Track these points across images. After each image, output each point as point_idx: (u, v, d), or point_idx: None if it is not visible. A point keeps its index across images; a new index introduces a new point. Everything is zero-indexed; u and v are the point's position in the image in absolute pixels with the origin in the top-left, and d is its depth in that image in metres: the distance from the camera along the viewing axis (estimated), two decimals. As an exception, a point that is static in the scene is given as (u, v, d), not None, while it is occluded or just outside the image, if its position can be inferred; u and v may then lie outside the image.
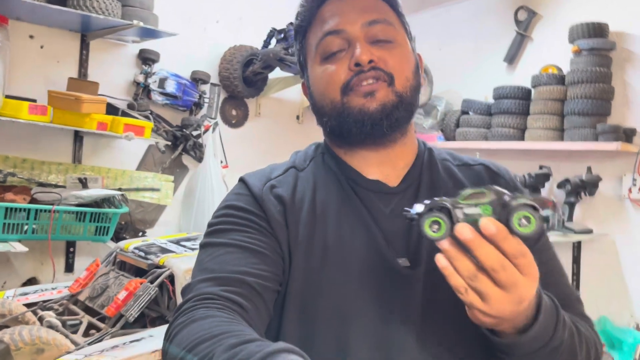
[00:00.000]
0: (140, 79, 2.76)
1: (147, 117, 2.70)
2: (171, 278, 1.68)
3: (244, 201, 0.85)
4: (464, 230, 0.62)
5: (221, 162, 3.03)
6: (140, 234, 2.82)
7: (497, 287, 0.62)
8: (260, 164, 3.45)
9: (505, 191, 0.64)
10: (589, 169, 2.78)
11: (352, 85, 0.82)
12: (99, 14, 2.22)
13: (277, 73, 3.14)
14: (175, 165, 3.01)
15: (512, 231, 0.61)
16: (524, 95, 3.05)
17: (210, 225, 0.85)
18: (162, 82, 2.78)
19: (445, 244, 0.64)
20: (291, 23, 2.90)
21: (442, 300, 0.78)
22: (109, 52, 2.75)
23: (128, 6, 2.40)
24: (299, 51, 0.92)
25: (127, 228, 2.75)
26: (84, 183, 2.50)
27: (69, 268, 2.66)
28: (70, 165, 2.59)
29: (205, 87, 3.04)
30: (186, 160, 3.05)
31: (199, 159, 2.99)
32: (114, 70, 2.76)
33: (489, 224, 0.61)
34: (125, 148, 2.75)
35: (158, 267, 1.72)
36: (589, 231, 2.69)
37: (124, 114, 2.60)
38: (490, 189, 0.64)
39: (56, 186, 2.49)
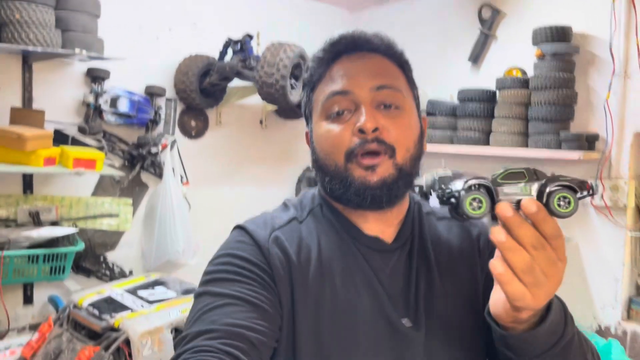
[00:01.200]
0: (90, 99, 2.62)
1: (99, 141, 2.58)
2: (127, 341, 1.63)
3: (249, 252, 0.82)
4: (505, 208, 0.62)
5: (182, 179, 2.94)
6: (102, 258, 2.75)
7: (544, 274, 0.62)
8: (224, 173, 3.37)
9: (543, 172, 0.65)
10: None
11: (356, 153, 0.83)
12: (37, 45, 2.08)
13: (236, 82, 3.03)
14: (134, 184, 2.91)
15: (550, 212, 0.62)
16: (489, 98, 3.01)
17: (208, 272, 0.82)
18: (114, 101, 2.65)
19: (499, 234, 0.62)
20: (248, 35, 2.77)
21: (439, 354, 0.82)
22: (54, 73, 2.60)
23: (69, 31, 2.25)
24: (305, 104, 0.94)
25: (87, 255, 2.67)
26: (35, 217, 2.39)
27: (28, 300, 2.58)
28: (20, 197, 2.47)
29: (161, 101, 2.91)
30: (145, 177, 2.95)
31: (159, 176, 2.89)
32: (61, 91, 2.61)
33: (531, 203, 0.61)
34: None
35: (113, 329, 1.66)
36: (553, 238, 2.71)
37: (74, 142, 2.48)
38: (529, 170, 0.65)
39: (7, 220, 2.38)
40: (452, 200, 0.66)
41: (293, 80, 2.64)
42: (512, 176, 0.64)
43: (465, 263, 0.90)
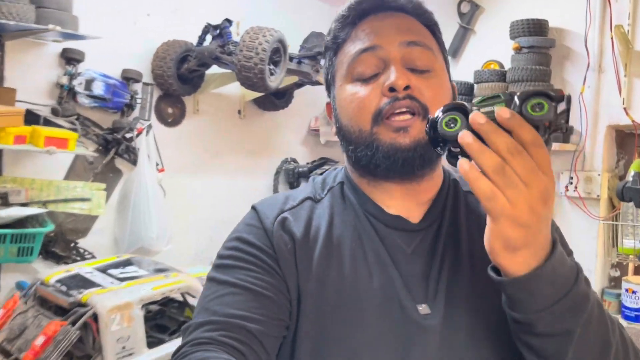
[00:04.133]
0: (64, 81, 2.56)
1: (72, 123, 2.53)
2: (95, 316, 1.59)
3: (255, 235, 0.80)
4: (477, 117, 0.59)
5: (157, 165, 2.90)
6: (72, 244, 2.68)
7: (520, 179, 0.59)
8: (200, 162, 3.34)
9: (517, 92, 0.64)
10: (529, 167, 2.80)
11: (385, 113, 0.77)
12: (10, 19, 2.03)
13: (215, 69, 3.00)
14: (108, 170, 2.85)
15: (525, 118, 0.60)
16: (467, 91, 3.03)
17: (219, 256, 0.82)
18: (88, 83, 2.59)
19: (467, 136, 0.60)
20: (227, 20, 2.75)
21: (459, 349, 0.75)
22: (28, 53, 2.54)
23: (43, 7, 2.20)
24: (327, 69, 0.87)
25: (57, 240, 2.60)
26: (4, 198, 2.32)
27: (-5, 286, 2.50)
28: (-11, 178, 2.40)
29: (137, 86, 2.87)
30: (120, 163, 2.89)
31: (134, 162, 2.84)
32: (34, 72, 2.55)
33: (504, 110, 0.59)
34: (52, 156, 2.58)
35: (81, 305, 1.62)
36: (528, 229, 2.73)
37: (47, 122, 2.42)
38: (505, 93, 0.64)
39: (-26, 202, 2.31)
40: (433, 132, 0.64)
41: (272, 66, 2.62)
42: (489, 100, 0.64)
43: None
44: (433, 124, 0.64)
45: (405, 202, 0.82)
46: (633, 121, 2.61)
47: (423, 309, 0.76)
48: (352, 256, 0.78)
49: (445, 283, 0.77)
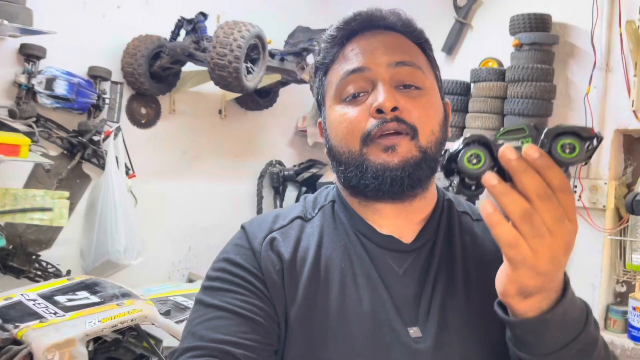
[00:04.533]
0: (22, 79, 2.35)
1: (30, 126, 2.31)
2: (31, 356, 1.38)
3: (243, 256, 0.80)
4: (509, 152, 0.56)
5: (127, 171, 2.68)
6: (34, 257, 2.47)
7: (546, 227, 0.56)
8: (178, 166, 3.08)
9: (545, 127, 0.60)
10: (529, 174, 2.60)
11: (373, 135, 0.76)
12: (-52, 11, 1.81)
13: (192, 66, 2.78)
14: (74, 176, 2.63)
15: (555, 160, 0.57)
16: (463, 91, 2.82)
17: (207, 277, 0.81)
18: (49, 82, 2.38)
19: (492, 178, 0.57)
20: (202, 13, 2.53)
21: None
22: (-19, 49, 2.32)
23: (-9, -2, 1.99)
24: (318, 89, 0.88)
25: (17, 253, 2.39)
26: (-49, 210, 2.11)
27: (-53, 303, 2.29)
28: (-63, 187, 2.19)
29: (106, 85, 2.65)
30: (87, 168, 2.68)
31: (102, 167, 2.63)
32: (-11, 69, 2.34)
33: (532, 148, 0.56)
34: (9, 163, 2.36)
35: (15, 342, 1.41)
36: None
37: (2, 126, 2.21)
38: (529, 126, 0.61)
39: None
40: (452, 164, 0.61)
41: (249, 64, 2.40)
42: (512, 133, 0.61)
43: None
44: (452, 158, 0.60)
45: (398, 222, 0.81)
46: (643, 125, 2.40)
47: (414, 331, 0.74)
48: (341, 278, 0.77)
49: (437, 305, 0.76)
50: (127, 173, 2.67)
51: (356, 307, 0.75)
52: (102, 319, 1.51)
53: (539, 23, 2.55)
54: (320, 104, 0.88)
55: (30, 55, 2.36)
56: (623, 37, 2.43)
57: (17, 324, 1.46)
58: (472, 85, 2.79)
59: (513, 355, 0.69)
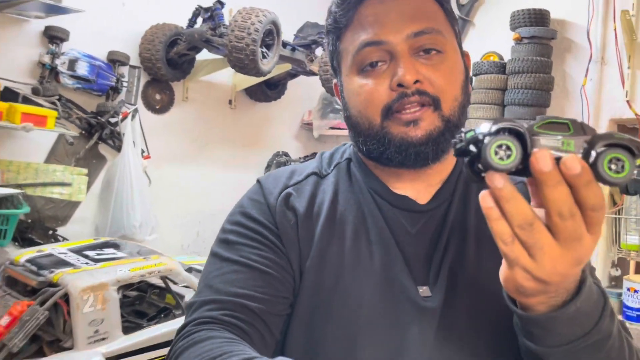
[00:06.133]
0: (46, 59, 2.45)
1: (53, 104, 2.41)
2: (66, 298, 1.46)
3: (258, 210, 0.80)
4: (543, 158, 0.49)
5: (142, 152, 2.78)
6: (51, 232, 2.55)
7: (555, 240, 0.52)
8: (189, 152, 3.19)
9: (592, 128, 0.52)
10: (528, 161, 2.72)
11: (394, 110, 0.74)
12: (-13, -15, 1.92)
13: (205, 55, 2.90)
14: (91, 156, 2.73)
15: (598, 176, 0.50)
16: (465, 83, 2.95)
17: (223, 230, 0.81)
18: (72, 63, 2.48)
19: (500, 181, 0.51)
20: (219, 1, 2.65)
21: (457, 340, 0.73)
22: (8, 29, 2.43)
23: (25, -23, 2.10)
24: (331, 53, 0.84)
25: (34, 227, 2.47)
26: (-22, 179, 2.20)
27: (-34, 273, 2.36)
28: (-38, 158, 2.27)
29: (124, 70, 2.75)
30: (104, 149, 2.77)
31: (118, 149, 2.72)
32: (14, 49, 2.44)
33: (574, 161, 0.49)
34: (31, 138, 2.45)
35: (51, 285, 1.49)
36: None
37: (26, 101, 2.30)
38: (575, 122, 0.52)
39: (-55, 182, 2.18)
40: (472, 147, 0.52)
41: (265, 49, 2.52)
42: (553, 127, 0.52)
43: None
44: (475, 141, 0.52)
45: (415, 184, 0.80)
46: (636, 115, 2.53)
47: (424, 291, 0.74)
48: (354, 233, 0.77)
49: (448, 266, 0.75)
50: (142, 154, 2.76)
51: (367, 262, 0.76)
52: (131, 269, 1.60)
53: (539, 18, 2.70)
54: (335, 69, 0.85)
55: (54, 36, 2.47)
56: (617, 32, 2.57)
57: (52, 269, 1.54)
58: (473, 78, 2.92)
59: (520, 341, 0.67)
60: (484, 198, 0.53)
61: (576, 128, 0.51)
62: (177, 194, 3.06)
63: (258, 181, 0.85)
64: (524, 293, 0.57)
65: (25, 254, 1.66)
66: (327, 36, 0.85)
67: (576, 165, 0.49)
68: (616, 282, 2.68)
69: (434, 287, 0.74)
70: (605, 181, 0.50)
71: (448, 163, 0.82)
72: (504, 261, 0.57)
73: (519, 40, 2.73)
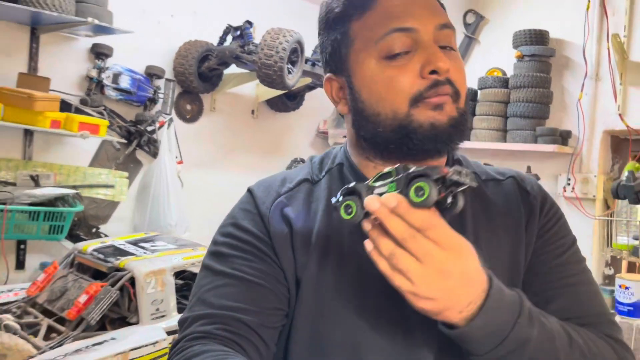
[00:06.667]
0: (94, 74, 2.72)
1: (100, 114, 2.67)
2: (132, 281, 1.72)
3: (250, 220, 0.79)
4: (371, 203, 0.62)
5: (176, 157, 3.04)
6: (94, 230, 2.81)
7: (415, 260, 0.61)
8: (215, 158, 3.47)
9: (413, 167, 0.64)
10: (529, 168, 2.97)
11: (426, 96, 0.73)
12: (52, 11, 2.18)
13: (232, 69, 3.16)
14: (129, 161, 2.99)
15: (412, 202, 0.61)
16: (471, 97, 3.20)
17: (214, 242, 0.81)
18: (116, 77, 2.75)
19: (366, 225, 0.64)
20: (248, 22, 2.92)
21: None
22: (60, 46, 2.70)
23: (82, 2, 2.36)
24: (336, 41, 0.80)
25: (80, 224, 2.73)
26: (35, 180, 2.46)
27: (20, 265, 2.62)
28: (20, 162, 2.54)
29: (160, 82, 3.02)
30: (140, 155, 3.04)
31: (153, 155, 2.99)
32: (65, 64, 2.71)
33: (389, 197, 0.61)
34: (78, 144, 2.72)
35: (118, 270, 1.75)
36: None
37: (77, 111, 2.57)
38: (398, 168, 0.65)
39: (7, 183, 2.44)
40: (334, 212, 0.69)
41: (290, 66, 2.78)
42: (383, 177, 0.66)
43: (509, 232, 0.81)
44: (333, 208, 0.69)
45: None
46: (628, 127, 2.77)
47: None
48: (351, 240, 0.76)
49: None
50: (175, 159, 3.03)
51: (367, 268, 0.72)
52: (184, 258, 1.85)
53: (538, 38, 2.95)
54: (341, 60, 0.80)
55: (100, 53, 2.74)
56: (611, 51, 2.82)
57: (117, 257, 1.80)
58: (479, 91, 3.17)
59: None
60: (366, 245, 0.64)
61: (399, 172, 0.64)
62: (204, 195, 3.31)
63: (249, 190, 0.84)
64: (431, 313, 0.64)
65: (90, 245, 1.92)
66: (329, 26, 0.81)
67: (391, 200, 0.60)
68: (610, 280, 2.92)
69: None
70: (416, 205, 0.61)
71: (440, 161, 0.82)
72: None
73: (520, 58, 2.99)
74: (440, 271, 0.61)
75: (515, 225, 0.82)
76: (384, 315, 0.74)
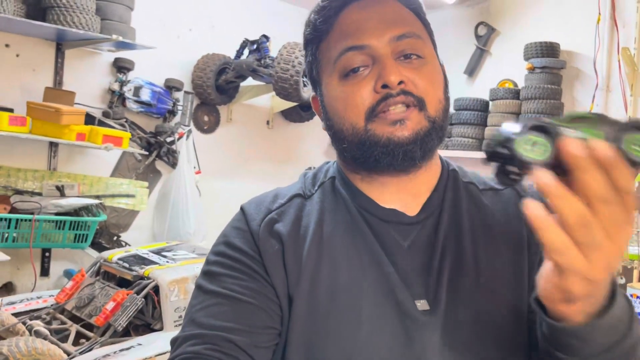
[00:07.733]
0: (116, 87, 2.82)
1: (122, 125, 2.77)
2: (156, 289, 1.79)
3: (241, 239, 0.78)
4: (574, 145, 0.48)
5: (194, 167, 3.13)
6: (115, 237, 2.90)
7: (605, 233, 0.49)
8: (232, 167, 3.58)
9: (618, 120, 0.52)
10: (540, 179, 3.01)
11: (378, 111, 0.73)
12: (79, 29, 2.28)
13: (249, 81, 3.25)
14: (148, 171, 3.08)
15: (626, 157, 0.49)
16: (482, 107, 3.25)
17: (207, 262, 0.80)
18: (137, 90, 2.84)
19: (547, 176, 0.49)
20: (264, 36, 3.00)
21: (460, 351, 0.71)
22: (84, 61, 2.80)
23: (107, 19, 2.46)
24: (310, 64, 0.83)
25: (102, 233, 2.82)
26: (61, 190, 2.55)
27: (45, 272, 2.72)
28: (46, 172, 2.63)
29: (179, 95, 3.12)
30: (159, 165, 3.13)
31: (172, 165, 3.08)
32: (89, 78, 2.81)
33: (603, 143, 0.48)
34: (100, 155, 2.81)
35: (143, 278, 1.82)
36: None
37: (100, 123, 2.66)
38: (599, 116, 0.52)
39: (33, 193, 2.53)
40: (502, 149, 0.52)
41: (304, 79, 2.86)
42: (578, 120, 0.52)
43: (510, 244, 0.77)
44: (505, 141, 0.52)
45: (401, 195, 0.79)
46: (638, 137, 2.81)
47: (422, 304, 0.73)
48: (344, 253, 0.75)
49: (446, 277, 0.74)
50: (193, 169, 3.11)
51: (361, 280, 0.73)
52: (205, 267, 1.93)
53: (549, 50, 3.00)
54: (315, 80, 0.83)
55: (122, 67, 2.84)
56: (621, 63, 2.86)
57: (142, 266, 1.88)
58: (490, 102, 3.22)
59: (543, 349, 0.63)
60: (531, 206, 0.49)
61: (600, 119, 0.52)
62: (222, 204, 3.39)
63: (241, 208, 0.83)
64: (572, 300, 0.54)
65: (116, 254, 2.00)
66: (305, 48, 0.83)
67: (607, 147, 0.48)
68: (621, 289, 2.95)
69: (433, 300, 0.73)
70: (633, 162, 0.49)
71: (434, 172, 0.81)
72: (548, 272, 0.55)
73: (531, 70, 3.04)
74: (621, 251, 0.50)
75: (515, 234, 0.78)
76: (378, 328, 0.72)
